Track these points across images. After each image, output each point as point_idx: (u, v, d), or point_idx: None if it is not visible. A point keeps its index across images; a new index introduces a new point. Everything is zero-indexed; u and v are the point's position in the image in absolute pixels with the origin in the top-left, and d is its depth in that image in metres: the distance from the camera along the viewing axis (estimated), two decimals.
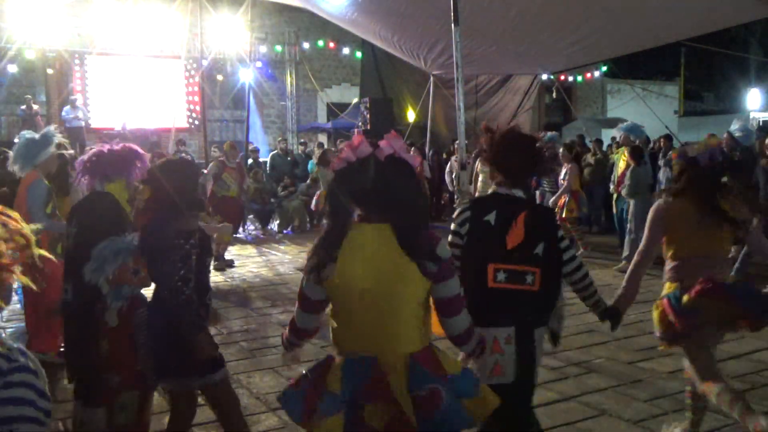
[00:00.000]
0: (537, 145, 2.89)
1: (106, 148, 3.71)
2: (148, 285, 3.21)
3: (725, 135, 9.28)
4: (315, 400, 2.19)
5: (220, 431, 3.96)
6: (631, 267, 3.67)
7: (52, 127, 5.06)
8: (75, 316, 3.47)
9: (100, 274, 3.05)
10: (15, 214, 1.64)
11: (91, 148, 3.83)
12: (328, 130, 19.47)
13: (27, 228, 1.63)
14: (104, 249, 3.08)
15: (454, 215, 2.94)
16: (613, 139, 12.79)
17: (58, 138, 4.98)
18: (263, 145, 17.84)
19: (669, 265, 3.52)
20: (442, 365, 2.22)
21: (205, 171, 9.37)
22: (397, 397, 2.12)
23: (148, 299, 3.16)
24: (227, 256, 9.27)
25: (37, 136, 4.85)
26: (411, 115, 15.91)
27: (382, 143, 2.17)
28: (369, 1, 11.46)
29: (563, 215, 9.14)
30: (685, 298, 3.20)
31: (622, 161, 9.04)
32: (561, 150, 9.34)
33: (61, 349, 5.17)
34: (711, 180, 3.34)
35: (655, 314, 3.48)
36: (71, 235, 3.59)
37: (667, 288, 3.47)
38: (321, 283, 2.20)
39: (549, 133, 10.12)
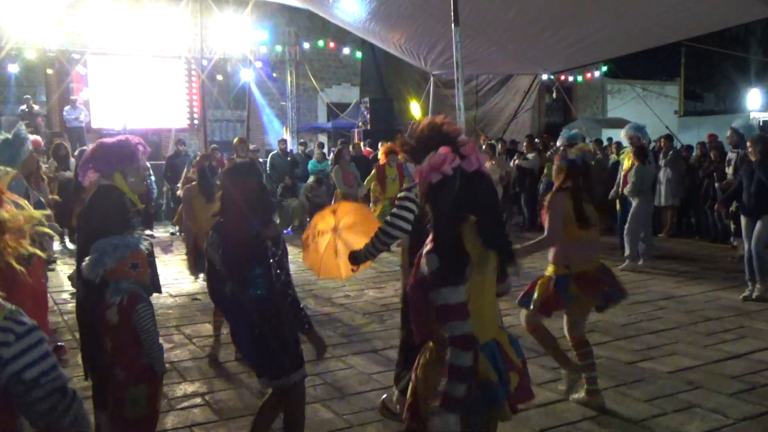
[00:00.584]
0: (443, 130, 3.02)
1: (106, 141, 3.72)
2: (148, 280, 3.21)
3: (729, 131, 9.25)
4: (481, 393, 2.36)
5: (220, 431, 3.97)
6: (537, 240, 4.26)
7: (22, 125, 5.01)
8: (85, 316, 3.48)
9: (99, 268, 3.06)
10: (24, 202, 1.84)
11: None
12: (328, 130, 19.47)
13: (37, 214, 1.83)
14: (104, 243, 3.10)
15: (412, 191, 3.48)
16: (610, 140, 12.79)
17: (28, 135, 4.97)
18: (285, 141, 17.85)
19: (556, 248, 4.18)
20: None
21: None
22: (517, 364, 2.48)
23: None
24: None
25: (9, 136, 4.78)
26: (416, 112, 15.82)
27: (469, 155, 2.31)
28: (371, 1, 11.47)
29: None
30: (573, 288, 4.09)
31: (627, 161, 9.04)
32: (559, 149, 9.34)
33: (58, 344, 5.19)
34: (582, 178, 4.21)
35: (540, 290, 4.21)
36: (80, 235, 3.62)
37: (554, 270, 4.21)
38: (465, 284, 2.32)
39: (572, 131, 10.20)
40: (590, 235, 4.18)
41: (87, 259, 3.11)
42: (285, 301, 3.15)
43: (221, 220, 3.14)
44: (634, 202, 8.58)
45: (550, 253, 4.26)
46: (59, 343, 5.22)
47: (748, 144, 7.21)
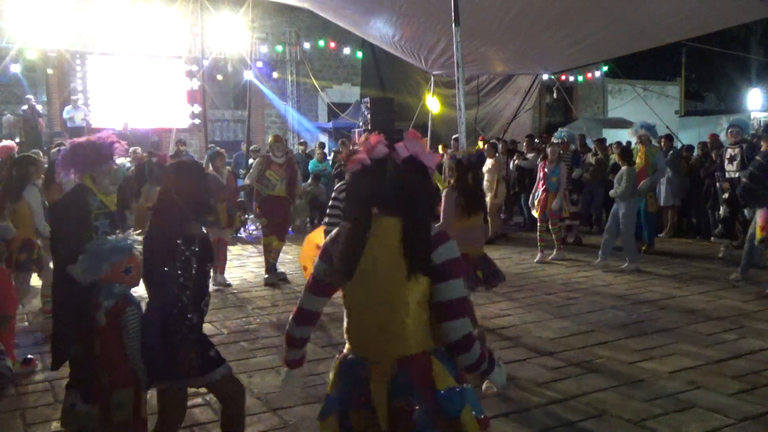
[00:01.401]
0: None
1: (78, 140, 3.70)
2: (137, 284, 3.21)
3: (732, 128, 9.12)
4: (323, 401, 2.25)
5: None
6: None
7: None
8: (63, 314, 3.49)
9: (95, 273, 3.05)
10: None
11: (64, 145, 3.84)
12: (328, 129, 19.47)
13: None
14: (99, 247, 3.08)
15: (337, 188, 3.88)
16: (601, 142, 12.76)
17: None
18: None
19: None
20: (432, 377, 2.10)
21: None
22: (375, 405, 2.08)
23: (142, 299, 3.16)
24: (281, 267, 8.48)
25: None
26: (434, 106, 15.58)
27: (398, 145, 2.15)
28: (372, 1, 11.47)
29: (560, 214, 9.10)
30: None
31: (638, 159, 9.03)
32: (550, 147, 9.33)
33: (27, 357, 5.09)
34: (470, 173, 4.83)
35: None
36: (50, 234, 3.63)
37: None
38: (330, 272, 2.21)
39: (561, 132, 10.11)
40: (474, 222, 4.86)
41: (79, 261, 3.09)
42: (175, 306, 2.89)
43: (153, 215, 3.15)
44: (624, 205, 8.43)
45: None
46: (29, 356, 5.13)
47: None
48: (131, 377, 3.08)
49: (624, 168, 8.45)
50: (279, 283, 8.04)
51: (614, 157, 11.56)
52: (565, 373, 4.84)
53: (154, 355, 2.97)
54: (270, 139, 8.50)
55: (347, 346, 2.25)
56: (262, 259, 9.89)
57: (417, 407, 2.04)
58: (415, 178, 2.15)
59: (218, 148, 8.80)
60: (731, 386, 4.51)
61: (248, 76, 14.91)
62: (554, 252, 9.23)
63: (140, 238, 3.26)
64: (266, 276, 8.06)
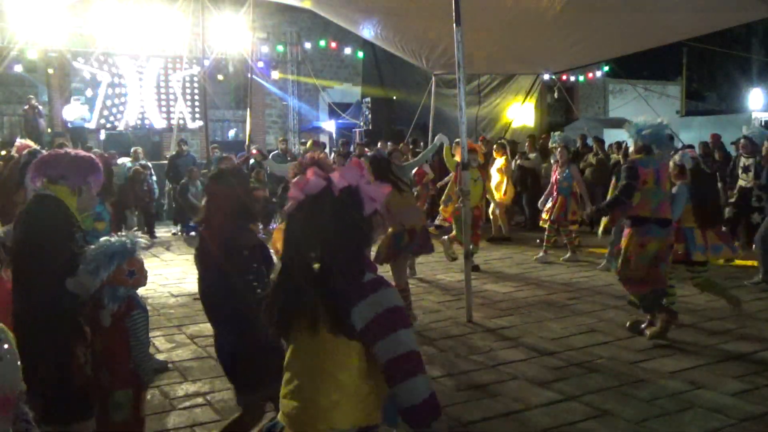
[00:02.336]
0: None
1: (64, 150, 3.60)
2: (144, 285, 3.20)
3: (743, 140, 9.00)
4: None
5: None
6: None
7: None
8: (31, 326, 3.00)
9: (95, 279, 3.01)
10: None
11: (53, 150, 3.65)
12: (329, 129, 19.49)
13: None
14: (99, 253, 3.04)
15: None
16: (599, 140, 12.74)
17: None
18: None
19: (392, 216, 5.74)
20: None
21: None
22: None
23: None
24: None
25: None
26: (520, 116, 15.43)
27: (333, 175, 1.86)
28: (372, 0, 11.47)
29: (567, 217, 9.03)
30: (405, 239, 5.81)
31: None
32: (559, 149, 9.27)
33: None
34: (382, 166, 5.81)
35: (382, 243, 5.85)
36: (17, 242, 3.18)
37: (393, 228, 5.81)
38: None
39: (557, 134, 10.02)
40: (408, 201, 5.96)
41: (80, 271, 2.99)
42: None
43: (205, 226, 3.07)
44: None
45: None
46: None
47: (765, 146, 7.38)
48: (131, 378, 3.07)
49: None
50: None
51: (615, 157, 11.56)
52: (565, 373, 4.84)
53: (249, 368, 2.95)
54: (308, 143, 7.78)
55: None
56: None
57: None
58: (349, 213, 1.84)
59: (216, 146, 8.57)
60: (732, 386, 4.51)
61: (248, 76, 14.93)
62: (568, 254, 9.16)
63: (143, 240, 3.21)
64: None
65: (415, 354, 1.79)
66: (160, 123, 17.49)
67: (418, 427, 1.78)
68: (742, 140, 9.05)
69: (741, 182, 9.07)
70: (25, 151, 4.71)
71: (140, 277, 3.12)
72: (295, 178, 1.90)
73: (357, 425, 1.81)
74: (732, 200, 9.21)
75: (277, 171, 7.83)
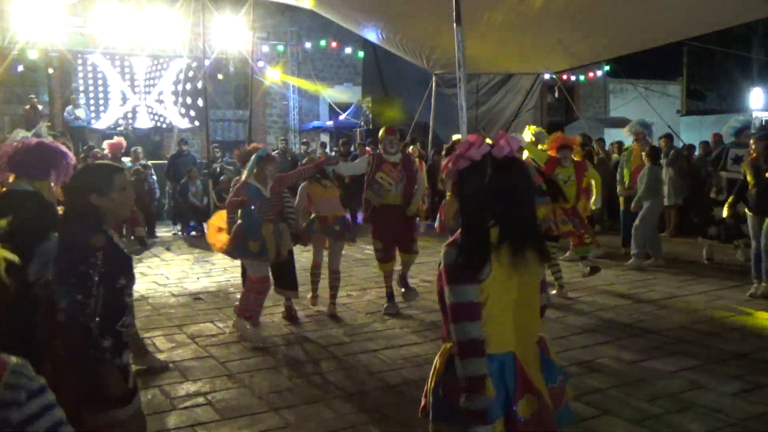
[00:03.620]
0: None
1: (33, 142, 3.52)
2: None
3: (742, 130, 8.85)
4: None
5: (222, 431, 3.99)
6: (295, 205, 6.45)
7: (43, 126, 4.84)
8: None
9: (45, 272, 2.94)
10: None
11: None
12: (329, 129, 19.49)
13: None
14: (50, 248, 2.97)
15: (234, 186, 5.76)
16: (600, 140, 12.74)
17: None
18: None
19: (308, 206, 6.57)
20: (549, 349, 2.32)
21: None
22: (540, 389, 2.18)
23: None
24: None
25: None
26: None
27: (499, 141, 2.16)
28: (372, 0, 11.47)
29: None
30: (316, 225, 6.41)
31: (633, 158, 8.99)
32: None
33: None
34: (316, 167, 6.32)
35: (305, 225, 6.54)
36: None
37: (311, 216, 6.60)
38: (480, 283, 2.11)
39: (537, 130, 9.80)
40: (329, 193, 6.48)
41: (32, 265, 2.87)
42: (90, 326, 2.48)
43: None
44: (647, 203, 8.49)
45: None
46: None
47: (751, 143, 7.21)
48: None
49: (646, 167, 8.46)
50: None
51: (616, 157, 11.56)
52: (567, 373, 4.83)
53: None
54: (381, 133, 6.66)
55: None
56: None
57: (565, 384, 2.32)
58: (518, 175, 2.17)
59: (216, 146, 8.35)
60: (732, 386, 4.51)
61: (249, 75, 14.93)
62: (567, 253, 9.16)
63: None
64: (385, 306, 6.59)
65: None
66: (160, 123, 17.49)
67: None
68: (741, 130, 8.73)
69: (727, 174, 8.71)
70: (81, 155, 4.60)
71: None
72: (465, 142, 2.20)
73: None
74: (717, 197, 8.83)
75: (345, 171, 7.22)
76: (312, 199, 6.56)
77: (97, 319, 2.50)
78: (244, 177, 5.78)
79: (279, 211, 5.91)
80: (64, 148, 3.55)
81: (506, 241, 2.12)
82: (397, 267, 6.78)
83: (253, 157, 5.76)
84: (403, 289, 6.75)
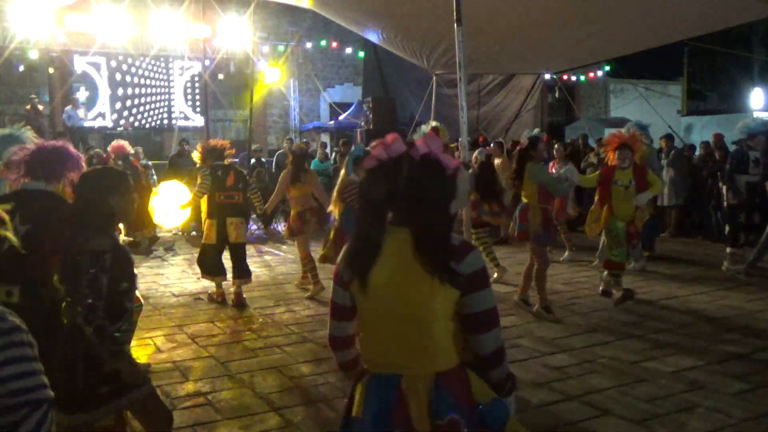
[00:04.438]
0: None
1: (49, 146, 3.57)
2: None
3: (756, 135, 8.70)
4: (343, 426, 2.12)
5: (223, 431, 3.99)
6: (271, 200, 7.70)
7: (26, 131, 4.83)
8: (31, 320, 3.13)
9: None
10: None
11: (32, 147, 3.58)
12: (330, 129, 19.49)
13: None
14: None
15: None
16: (600, 140, 12.70)
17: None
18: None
19: (288, 200, 7.46)
20: (471, 391, 2.01)
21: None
22: (416, 425, 1.94)
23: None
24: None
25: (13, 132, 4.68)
26: None
27: (417, 141, 2.02)
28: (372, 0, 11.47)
29: (570, 213, 9.01)
30: (308, 216, 7.29)
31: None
32: (555, 146, 9.31)
33: None
34: (299, 160, 7.37)
35: (292, 220, 7.34)
36: (19, 234, 3.07)
37: (295, 210, 7.38)
38: (348, 289, 2.06)
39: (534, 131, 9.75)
40: (303, 190, 7.24)
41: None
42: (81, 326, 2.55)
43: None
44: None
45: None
46: None
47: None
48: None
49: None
50: (283, 284, 7.90)
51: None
52: (566, 373, 4.84)
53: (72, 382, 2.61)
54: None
55: (368, 364, 2.12)
56: (264, 258, 9.90)
57: (463, 424, 1.94)
58: (432, 177, 1.99)
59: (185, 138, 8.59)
60: (733, 386, 4.51)
61: (249, 75, 14.94)
62: (566, 253, 9.16)
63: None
64: None
65: (495, 310, 2.06)
66: (161, 123, 17.50)
67: (494, 368, 2.08)
68: (759, 137, 8.37)
69: (747, 177, 8.42)
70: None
71: None
72: (380, 140, 2.07)
73: (456, 363, 2.03)
74: (732, 201, 8.56)
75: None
76: (291, 196, 7.32)
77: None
78: (342, 176, 5.68)
79: None
80: (74, 150, 3.59)
81: (409, 249, 1.96)
82: None
83: (347, 157, 5.66)
84: None
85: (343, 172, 5.70)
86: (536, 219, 6.19)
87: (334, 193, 5.76)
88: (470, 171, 5.38)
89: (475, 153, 8.26)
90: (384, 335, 2.03)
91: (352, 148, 5.84)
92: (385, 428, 1.96)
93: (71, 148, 3.59)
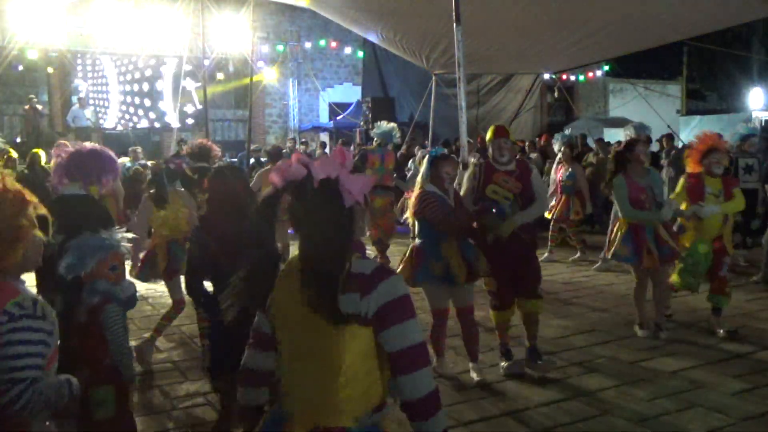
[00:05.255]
0: None
1: (86, 149, 3.64)
2: (122, 281, 3.17)
3: (753, 138, 8.61)
4: None
5: None
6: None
7: None
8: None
9: (80, 269, 3.01)
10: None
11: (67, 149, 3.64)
12: (329, 129, 19.49)
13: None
14: (84, 244, 3.04)
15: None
16: (600, 140, 12.73)
17: None
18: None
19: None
20: None
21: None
22: None
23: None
24: None
25: None
26: None
27: (312, 165, 1.80)
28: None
29: (571, 217, 8.98)
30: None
31: None
32: (562, 149, 9.27)
33: None
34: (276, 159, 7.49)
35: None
36: (57, 242, 3.13)
37: None
38: (266, 314, 1.95)
39: (566, 132, 9.69)
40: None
41: (65, 258, 3.03)
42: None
43: (205, 219, 3.15)
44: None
45: None
46: None
47: None
48: (111, 374, 3.01)
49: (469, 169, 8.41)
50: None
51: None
52: (566, 373, 4.83)
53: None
54: (488, 133, 5.04)
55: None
56: None
57: None
58: (324, 206, 1.79)
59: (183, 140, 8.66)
60: (732, 386, 4.51)
61: (248, 75, 14.93)
62: (578, 254, 9.12)
63: (129, 235, 3.25)
64: (504, 365, 4.89)
65: (422, 346, 1.79)
66: (160, 123, 17.49)
67: (419, 419, 1.77)
68: (752, 139, 8.35)
69: (744, 184, 8.08)
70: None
71: (121, 273, 3.11)
72: (278, 165, 1.87)
73: (372, 406, 1.81)
74: None
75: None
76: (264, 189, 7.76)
77: None
78: (419, 184, 4.68)
79: (469, 225, 4.67)
80: (112, 153, 3.64)
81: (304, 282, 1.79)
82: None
83: (426, 158, 4.80)
84: (537, 362, 4.80)
85: (419, 179, 4.71)
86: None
87: (410, 205, 4.76)
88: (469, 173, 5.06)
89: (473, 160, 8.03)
90: (291, 372, 1.87)
91: (429, 149, 4.85)
92: None
93: (108, 151, 3.64)
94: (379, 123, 8.75)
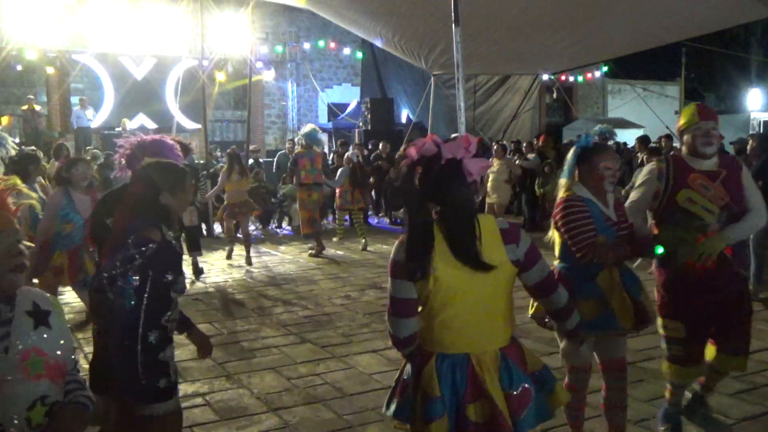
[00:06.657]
0: None
1: (149, 139, 3.62)
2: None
3: (754, 139, 8.56)
4: (420, 406, 2.22)
5: (220, 431, 3.98)
6: (214, 189, 9.96)
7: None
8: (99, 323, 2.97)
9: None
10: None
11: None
12: (328, 130, 19.51)
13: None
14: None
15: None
16: (603, 139, 12.69)
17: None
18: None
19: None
20: (526, 360, 2.30)
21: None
22: (493, 396, 2.14)
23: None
24: None
25: None
26: None
27: (444, 145, 2.19)
28: (371, 1, 11.47)
29: None
30: (229, 210, 9.30)
31: None
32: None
33: None
34: (233, 159, 9.20)
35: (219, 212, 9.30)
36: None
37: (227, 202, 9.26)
38: (416, 282, 2.18)
39: (602, 127, 9.32)
40: (241, 186, 9.13)
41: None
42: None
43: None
44: None
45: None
46: None
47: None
48: None
49: (649, 164, 8.33)
50: (281, 284, 8.00)
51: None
52: (565, 374, 4.82)
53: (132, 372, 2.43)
54: (685, 114, 3.59)
55: (432, 348, 2.24)
56: (262, 259, 9.88)
57: (533, 390, 2.23)
58: (449, 181, 2.17)
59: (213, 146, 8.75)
60: (731, 386, 4.50)
61: (248, 76, 14.93)
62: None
63: None
64: None
65: (553, 273, 2.48)
66: (159, 123, 17.48)
67: (563, 320, 2.53)
68: (752, 140, 8.10)
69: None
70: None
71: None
72: (414, 142, 2.25)
73: (511, 335, 2.31)
74: None
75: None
76: (228, 189, 9.06)
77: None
78: (563, 188, 3.26)
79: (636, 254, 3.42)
80: (173, 142, 3.61)
81: (448, 241, 2.16)
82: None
83: (570, 151, 3.34)
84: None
85: (561, 179, 3.31)
86: None
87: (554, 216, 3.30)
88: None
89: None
90: (454, 320, 2.19)
91: (579, 138, 3.31)
92: (462, 402, 2.15)
93: (169, 139, 3.62)
94: (302, 126, 9.87)
